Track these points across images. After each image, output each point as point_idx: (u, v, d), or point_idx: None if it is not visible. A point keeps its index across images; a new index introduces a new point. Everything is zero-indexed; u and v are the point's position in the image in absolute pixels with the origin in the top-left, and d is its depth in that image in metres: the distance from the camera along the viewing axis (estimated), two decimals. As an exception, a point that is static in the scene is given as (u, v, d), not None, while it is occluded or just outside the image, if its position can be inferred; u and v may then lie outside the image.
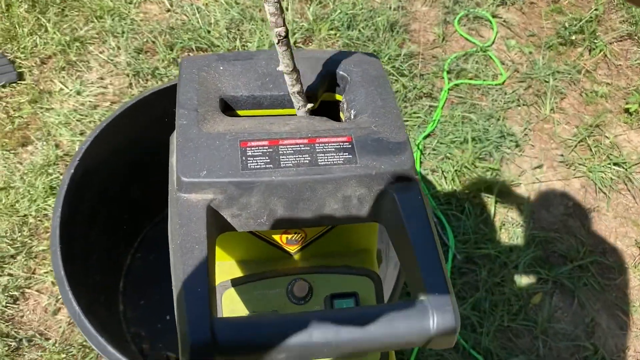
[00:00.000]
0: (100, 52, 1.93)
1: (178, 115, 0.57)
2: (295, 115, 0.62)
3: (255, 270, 0.63)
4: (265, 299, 0.60)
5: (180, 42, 1.99)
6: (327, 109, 0.68)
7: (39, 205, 1.56)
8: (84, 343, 1.38)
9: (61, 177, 1.62)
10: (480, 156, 1.90)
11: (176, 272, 0.48)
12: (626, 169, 1.97)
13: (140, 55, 1.95)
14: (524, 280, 1.63)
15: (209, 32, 2.05)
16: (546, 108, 2.11)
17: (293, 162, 0.54)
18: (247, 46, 2.05)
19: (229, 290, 0.60)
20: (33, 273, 1.48)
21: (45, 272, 1.48)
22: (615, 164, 1.98)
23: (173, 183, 0.54)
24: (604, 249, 1.77)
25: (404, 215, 0.52)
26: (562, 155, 1.98)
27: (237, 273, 0.63)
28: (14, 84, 1.81)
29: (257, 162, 0.53)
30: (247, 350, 0.43)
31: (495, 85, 2.14)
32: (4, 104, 1.77)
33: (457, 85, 2.09)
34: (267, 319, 0.44)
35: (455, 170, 1.83)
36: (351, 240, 0.65)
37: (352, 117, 0.60)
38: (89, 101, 1.81)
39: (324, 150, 0.55)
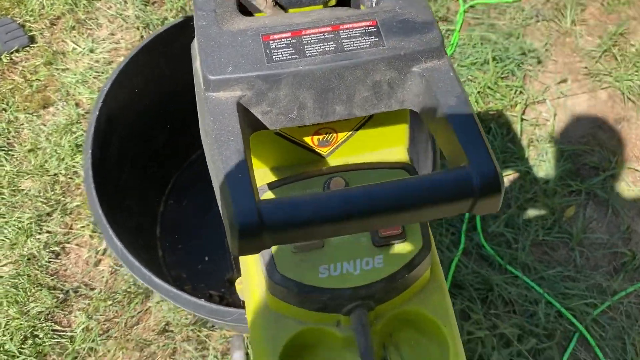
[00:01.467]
0: (108, 8, 1.91)
1: (197, 18, 0.56)
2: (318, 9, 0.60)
3: (289, 174, 0.63)
4: (303, 199, 0.60)
5: (187, -10, 1.95)
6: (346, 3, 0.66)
7: (67, 163, 1.58)
8: (128, 289, 1.41)
9: (85, 134, 1.63)
10: (503, 75, 1.86)
11: (215, 164, 0.48)
12: (654, 75, 1.91)
13: (148, 7, 1.92)
14: (556, 194, 1.61)
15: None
16: (567, 21, 2.04)
17: (318, 50, 0.53)
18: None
19: (266, 193, 0.60)
20: (70, 228, 1.51)
21: (82, 227, 1.51)
22: (642, 71, 1.91)
23: (200, 85, 0.54)
24: (637, 157, 1.74)
25: (437, 94, 0.51)
26: (586, 68, 1.93)
27: (272, 179, 0.63)
28: (27, 48, 1.81)
29: (281, 54, 0.52)
30: (294, 226, 0.43)
31: (513, 2, 2.07)
32: (20, 68, 1.77)
33: (472, 6, 2.03)
34: (311, 196, 0.44)
35: (478, 92, 1.79)
36: (383, 138, 0.64)
37: (374, 4, 0.59)
38: (103, 58, 1.80)
39: (349, 36, 0.54)
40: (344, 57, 0.52)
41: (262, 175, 0.64)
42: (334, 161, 0.65)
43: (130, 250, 0.98)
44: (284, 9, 0.63)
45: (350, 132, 0.63)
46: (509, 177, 1.65)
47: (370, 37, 0.54)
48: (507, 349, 1.36)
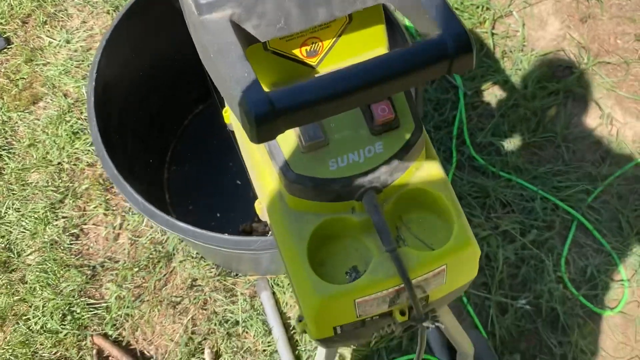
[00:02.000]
0: (75, -2, 1.94)
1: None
2: None
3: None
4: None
5: (148, -34, 1.97)
6: None
7: (68, 151, 1.64)
8: (150, 255, 1.49)
9: (79, 121, 1.68)
10: (467, -5, 1.91)
11: (221, 72, 0.54)
12: (612, -30, 1.96)
13: (114, -10, 1.95)
14: (535, 97, 1.69)
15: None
16: None
17: (291, -41, 0.59)
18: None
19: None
20: (84, 210, 1.58)
21: (95, 207, 1.57)
22: (600, -32, 1.97)
23: (192, 13, 0.60)
24: (607, 50, 1.81)
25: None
26: (547, -26, 1.98)
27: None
28: (4, 50, 1.84)
29: (259, -30, 0.59)
30: (302, 107, 0.50)
31: None
32: (2, 70, 1.81)
33: None
34: (312, 80, 0.51)
35: (446, 15, 1.84)
36: (364, 41, 0.71)
37: None
38: (80, 46, 1.84)
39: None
40: (312, -38, 0.59)
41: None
42: (323, 69, 0.71)
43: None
44: None
45: (334, 39, 0.70)
46: (488, 89, 1.72)
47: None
48: (511, 244, 1.45)
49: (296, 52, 0.69)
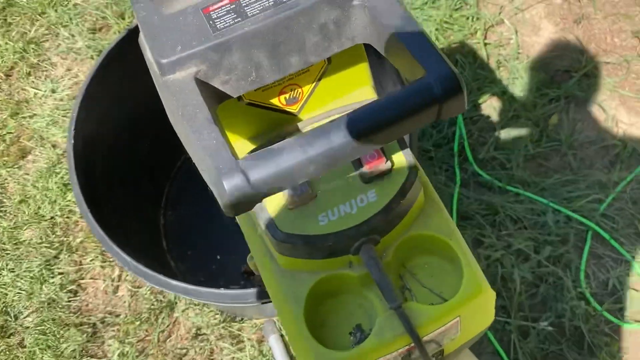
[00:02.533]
0: (57, 46, 1.91)
1: (136, 11, 0.56)
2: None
3: (266, 140, 0.64)
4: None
5: (129, 7, 1.94)
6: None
7: (60, 204, 1.59)
8: (152, 307, 1.43)
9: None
10: (456, 7, 1.86)
11: (188, 138, 0.49)
12: (602, -33, 1.92)
13: (96, 35, 1.92)
14: (536, 106, 1.63)
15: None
16: (504, -62, 2.04)
17: (259, 8, 0.54)
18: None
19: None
20: (81, 265, 1.52)
21: (91, 260, 1.52)
22: (589, -34, 1.92)
23: (155, 73, 0.55)
24: (605, 50, 1.76)
25: (382, 19, 0.53)
26: (535, -22, 1.93)
27: (249, 149, 0.64)
28: (-10, 106, 1.81)
29: (225, 21, 0.54)
30: (280, 174, 0.45)
31: None
32: (-11, 126, 1.77)
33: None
34: (288, 140, 0.46)
35: (436, 29, 1.80)
36: (346, 82, 0.66)
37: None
38: (66, 95, 1.80)
39: (282, -13, 0.55)
40: (285, 8, 0.54)
41: (240, 147, 0.66)
42: (305, 116, 0.66)
43: (143, 264, 1.00)
44: None
45: (314, 83, 0.65)
46: (486, 102, 1.67)
47: (304, -17, 0.55)
48: (526, 263, 1.39)
49: (274, 101, 0.64)
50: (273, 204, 0.61)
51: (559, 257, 1.40)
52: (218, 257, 1.47)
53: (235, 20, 0.54)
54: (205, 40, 0.53)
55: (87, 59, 1.88)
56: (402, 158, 0.62)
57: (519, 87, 1.67)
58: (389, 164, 0.61)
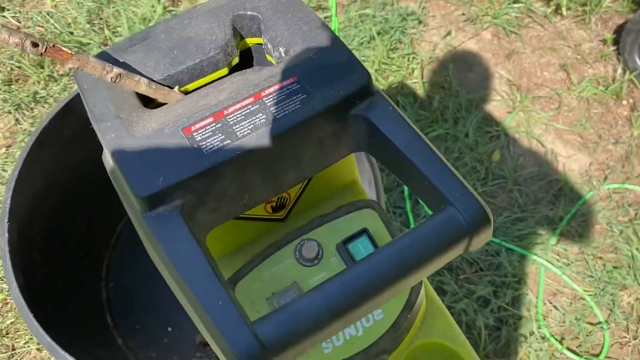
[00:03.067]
0: (-32, 101, 1.73)
1: (101, 132, 0.49)
2: (224, 77, 0.55)
3: (253, 253, 0.58)
4: (279, 277, 0.55)
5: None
6: (250, 59, 0.62)
7: (-17, 282, 1.43)
8: (99, 391, 1.31)
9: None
10: (392, 47, 1.87)
11: (187, 297, 0.42)
12: (525, 3, 1.99)
13: (13, 86, 1.76)
14: (478, 144, 1.65)
15: (71, 33, 1.87)
16: (431, -25, 2.08)
17: (249, 127, 0.48)
18: (117, 32, 1.88)
19: (237, 287, 0.55)
20: (13, 349, 1.37)
21: (25, 343, 1.37)
22: (514, 2, 1.99)
23: (132, 206, 0.48)
24: (536, 84, 1.82)
25: (386, 132, 0.48)
26: (463, 14, 1.98)
27: (237, 264, 0.58)
28: None
29: (211, 144, 0.47)
30: (300, 338, 0.39)
31: (376, -28, 2.08)
32: None
33: (340, -13, 2.02)
34: (306, 297, 0.40)
35: (375, 70, 1.79)
36: (334, 180, 0.61)
37: (284, 54, 0.54)
38: (-18, 156, 1.63)
39: (275, 101, 0.49)
40: (278, 127, 0.48)
41: (225, 263, 0.59)
42: (293, 222, 0.60)
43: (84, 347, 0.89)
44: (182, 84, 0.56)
45: (301, 187, 0.59)
46: (433, 141, 1.67)
47: (297, 96, 0.50)
48: (487, 307, 1.39)
49: (259, 211, 0.58)
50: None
51: (518, 298, 1.41)
52: (169, 329, 1.36)
53: (224, 142, 0.47)
54: (191, 167, 0.46)
55: (4, 114, 1.72)
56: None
57: (460, 126, 1.69)
58: (393, 276, 0.56)
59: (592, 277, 1.45)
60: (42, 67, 1.79)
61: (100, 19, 1.93)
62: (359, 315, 0.41)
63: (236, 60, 0.58)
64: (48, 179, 1.04)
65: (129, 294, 1.40)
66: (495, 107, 1.76)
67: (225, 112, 0.49)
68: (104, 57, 0.54)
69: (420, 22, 1.96)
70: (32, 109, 1.74)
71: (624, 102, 1.78)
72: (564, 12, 1.98)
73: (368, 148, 0.51)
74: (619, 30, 1.90)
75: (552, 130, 1.71)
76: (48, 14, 1.93)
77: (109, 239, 1.43)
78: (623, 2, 1.99)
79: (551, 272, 1.46)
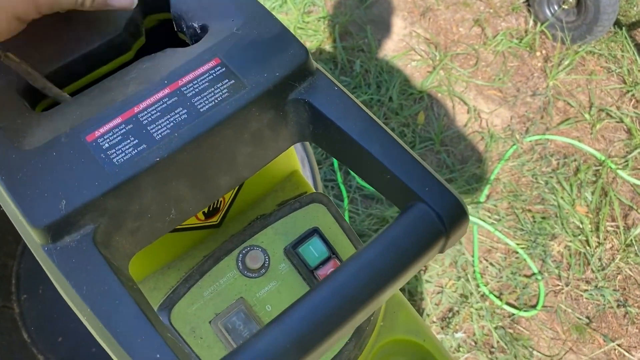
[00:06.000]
0: None
1: (-19, 147, 0.38)
2: (130, 65, 0.45)
3: (188, 267, 0.50)
4: (221, 294, 0.48)
5: None
6: (159, 39, 0.52)
7: None
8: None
9: None
10: (306, 10, 1.78)
11: (113, 350, 0.34)
12: (435, -42, 1.96)
13: None
14: (403, 107, 1.62)
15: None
16: None
17: (168, 126, 0.39)
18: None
19: (174, 311, 0.47)
20: None
21: None
22: (424, -42, 1.95)
23: (29, 236, 0.38)
24: (453, 40, 1.80)
25: (334, 118, 0.41)
26: (375, -27, 1.92)
27: (171, 282, 0.49)
28: None
29: (123, 151, 0.38)
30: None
31: None
32: None
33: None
34: (264, 338, 0.32)
35: (291, 36, 1.70)
36: (273, 172, 0.53)
37: (199, 31, 0.45)
38: None
39: (197, 90, 0.40)
40: (204, 122, 0.39)
41: (157, 282, 0.50)
42: (231, 226, 0.52)
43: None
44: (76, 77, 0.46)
45: (235, 189, 0.51)
46: (356, 109, 1.62)
47: (223, 82, 0.41)
48: (427, 272, 1.38)
49: (190, 220, 0.49)
50: None
51: (454, 258, 1.41)
52: (93, 349, 1.25)
53: (138, 148, 0.38)
54: (100, 183, 0.37)
55: None
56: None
57: (383, 90, 1.65)
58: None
59: (522, 230, 1.47)
60: None
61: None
62: (331, 345, 0.34)
63: (142, 41, 0.48)
64: None
65: (46, 306, 1.27)
66: (416, 67, 1.72)
67: (137, 110, 0.40)
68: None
69: (332, -17, 1.88)
70: None
71: (538, 54, 1.80)
72: (474, -34, 1.96)
73: (313, 138, 0.44)
74: (528, -18, 1.91)
75: (473, 87, 1.71)
76: None
77: (15, 248, 1.28)
78: (529, -47, 2.00)
79: (484, 230, 1.47)
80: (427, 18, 1.84)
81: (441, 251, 0.38)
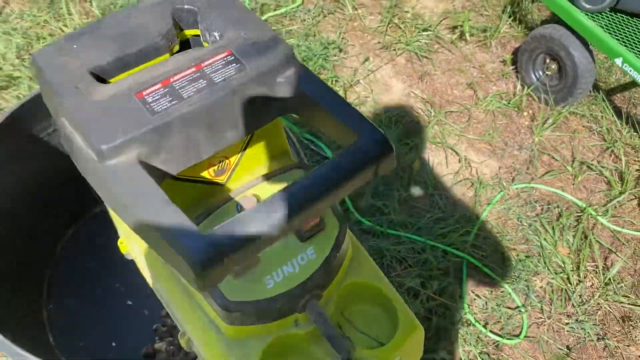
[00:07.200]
0: None
1: (59, 100, 0.56)
2: (168, 58, 0.64)
3: (196, 214, 0.66)
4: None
5: (-23, 91, 1.82)
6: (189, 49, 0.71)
7: None
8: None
9: None
10: (316, 72, 2.01)
11: (144, 221, 0.50)
12: (434, 31, 2.20)
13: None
14: (399, 155, 1.80)
15: (0, 68, 1.89)
16: (348, 8, 2.26)
17: (193, 90, 0.57)
18: (49, 66, 1.92)
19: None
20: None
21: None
22: (424, 30, 2.20)
23: (90, 160, 0.55)
24: (448, 101, 2.00)
25: (306, 92, 0.58)
26: (379, 42, 2.16)
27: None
28: None
29: (161, 104, 0.56)
30: (248, 242, 0.47)
31: (298, 7, 2.24)
32: None
33: (266, 20, 2.16)
34: (251, 211, 0.49)
35: (302, 92, 1.92)
36: (267, 150, 0.70)
37: (218, 38, 0.64)
38: None
39: (214, 69, 0.59)
40: (218, 89, 0.57)
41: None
42: (233, 185, 0.69)
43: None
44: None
45: (240, 154, 0.68)
46: (358, 155, 1.80)
47: (232, 65, 0.59)
48: (417, 299, 1.50)
49: (204, 174, 0.66)
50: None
51: (444, 288, 1.53)
52: (113, 344, 1.38)
53: (172, 103, 0.56)
54: (144, 123, 0.54)
55: None
56: (331, 215, 0.67)
57: (383, 139, 1.83)
58: (322, 221, 0.66)
59: (508, 266, 1.60)
60: (-29, 102, 1.80)
61: (30, 54, 1.96)
62: (293, 225, 0.50)
63: (177, 47, 0.67)
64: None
65: (71, 313, 1.41)
66: (412, 122, 1.92)
67: (172, 79, 0.58)
68: (60, 42, 0.62)
69: (340, 50, 2.12)
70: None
71: (525, 114, 1.99)
72: (468, 38, 2.20)
73: (294, 109, 0.61)
74: (516, 52, 2.13)
75: (465, 140, 1.89)
76: (-25, 51, 1.95)
77: (49, 259, 1.44)
78: (517, 28, 2.24)
79: (472, 264, 1.60)
80: (424, 81, 2.06)
81: (375, 173, 0.54)
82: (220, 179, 0.68)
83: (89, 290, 1.43)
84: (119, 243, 0.85)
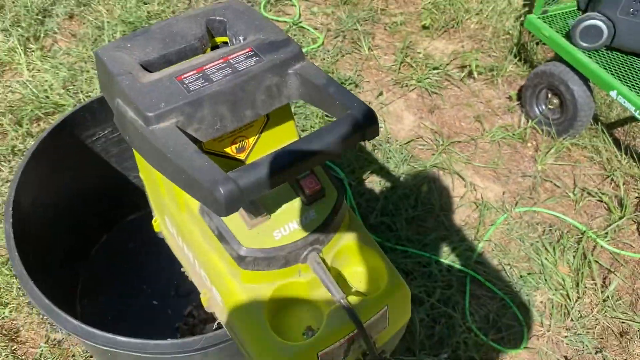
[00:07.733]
0: (-50, 154, 1.90)
1: (117, 82, 0.71)
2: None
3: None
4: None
5: (26, 115, 2.02)
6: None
7: None
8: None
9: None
10: (333, 103, 2.18)
11: (181, 165, 0.64)
12: (443, 69, 2.37)
13: (-8, 142, 1.95)
14: (408, 178, 1.93)
15: (47, 97, 2.10)
16: (365, 49, 2.45)
17: (221, 75, 0.72)
18: (90, 95, 2.13)
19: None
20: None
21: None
22: (434, 69, 2.37)
23: (139, 126, 0.69)
24: (456, 132, 2.14)
25: (312, 81, 0.73)
26: (392, 79, 2.33)
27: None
28: None
29: (195, 85, 0.71)
30: (260, 180, 0.61)
31: (318, 47, 2.44)
32: None
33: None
34: (264, 158, 0.63)
35: (318, 121, 2.08)
36: (280, 134, 0.84)
37: (242, 40, 0.80)
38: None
39: (238, 61, 0.74)
40: (241, 75, 0.73)
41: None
42: (251, 161, 0.83)
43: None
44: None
45: (257, 136, 0.83)
46: (369, 178, 1.94)
47: (253, 58, 0.75)
48: (422, 305, 1.60)
49: (228, 150, 0.81)
50: (235, 227, 0.76)
51: (448, 298, 1.63)
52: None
53: (204, 84, 0.71)
54: (182, 98, 0.70)
55: (-16, 166, 1.89)
56: (331, 186, 0.80)
57: (392, 164, 1.97)
58: (323, 189, 0.79)
59: (509, 282, 1.69)
60: (20, 125, 2.00)
61: (74, 85, 2.17)
62: (296, 171, 0.64)
63: (209, 50, 0.83)
64: (43, 189, 1.24)
65: (101, 311, 1.54)
66: (422, 150, 2.06)
67: (205, 68, 0.73)
68: (117, 42, 0.79)
69: (356, 86, 2.29)
70: (10, 161, 1.92)
71: (529, 144, 2.11)
72: (476, 76, 2.36)
73: (301, 95, 0.76)
74: (521, 89, 2.28)
75: (470, 167, 2.01)
76: (26, 82, 2.17)
77: (84, 259, 1.59)
78: (522, 67, 2.39)
79: (475, 279, 1.69)
80: (434, 114, 2.21)
81: (363, 138, 0.68)
82: (240, 156, 0.82)
83: (118, 289, 1.57)
84: (153, 222, 0.99)
